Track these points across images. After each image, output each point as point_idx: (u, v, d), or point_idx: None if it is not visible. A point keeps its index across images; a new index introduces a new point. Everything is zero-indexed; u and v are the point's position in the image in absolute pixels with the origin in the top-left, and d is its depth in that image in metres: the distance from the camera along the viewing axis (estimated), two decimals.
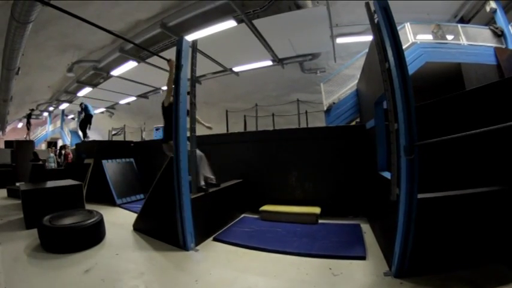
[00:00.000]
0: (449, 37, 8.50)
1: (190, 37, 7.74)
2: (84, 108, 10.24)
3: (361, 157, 4.90)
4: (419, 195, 2.48)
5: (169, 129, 3.91)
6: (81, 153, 8.27)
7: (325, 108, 9.31)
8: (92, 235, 3.73)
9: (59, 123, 22.39)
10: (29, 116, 17.15)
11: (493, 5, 8.72)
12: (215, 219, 4.39)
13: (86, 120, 10.20)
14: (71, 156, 10.33)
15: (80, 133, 10.62)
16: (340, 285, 2.57)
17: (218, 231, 4.22)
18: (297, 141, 5.58)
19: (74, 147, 10.64)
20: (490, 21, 9.12)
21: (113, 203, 6.41)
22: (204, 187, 4.25)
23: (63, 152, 11.99)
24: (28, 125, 16.70)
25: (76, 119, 18.22)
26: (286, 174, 5.54)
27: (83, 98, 16.66)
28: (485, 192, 2.64)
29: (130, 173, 7.55)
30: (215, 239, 3.94)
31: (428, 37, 8.44)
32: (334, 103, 8.68)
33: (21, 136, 22.30)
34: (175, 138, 3.60)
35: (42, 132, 23.58)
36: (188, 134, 3.90)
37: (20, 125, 24.36)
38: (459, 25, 8.79)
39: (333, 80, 9.51)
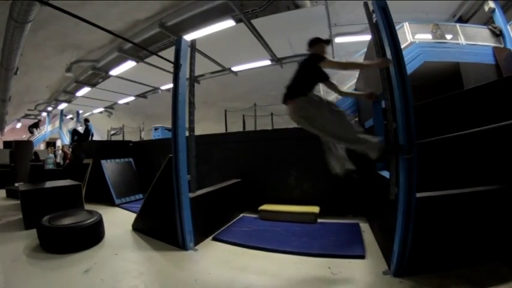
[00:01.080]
0: (448, 37, 8.51)
1: (188, 37, 7.75)
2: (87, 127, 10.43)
3: (360, 156, 4.89)
4: (418, 194, 2.49)
5: (304, 83, 2.99)
6: (80, 153, 8.26)
7: None
8: (91, 235, 3.73)
9: (57, 123, 22.30)
10: (35, 125, 17.04)
11: (491, 4, 8.73)
12: (214, 219, 4.39)
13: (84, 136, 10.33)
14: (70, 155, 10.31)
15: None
16: (339, 284, 2.58)
17: (217, 230, 4.22)
18: (296, 141, 5.57)
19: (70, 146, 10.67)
20: (488, 20, 9.14)
21: (112, 203, 6.40)
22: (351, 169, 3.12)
23: (59, 152, 11.98)
24: (31, 128, 16.64)
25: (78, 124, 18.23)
26: (285, 174, 5.54)
27: (82, 98, 16.68)
28: (483, 191, 2.65)
29: (129, 172, 7.54)
30: (214, 239, 3.95)
31: (426, 36, 8.46)
32: None
33: (20, 136, 22.29)
34: (174, 137, 3.60)
35: (41, 132, 23.51)
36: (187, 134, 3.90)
37: (18, 125, 24.29)
38: (458, 25, 8.80)
39: (332, 79, 9.51)
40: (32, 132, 16.78)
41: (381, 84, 2.88)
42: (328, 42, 3.31)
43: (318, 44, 3.22)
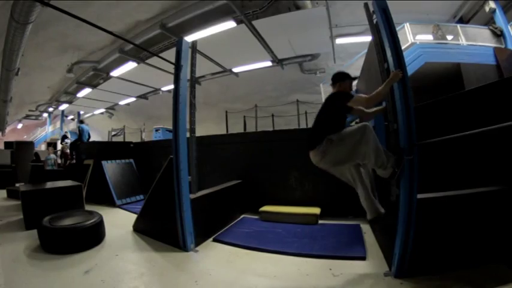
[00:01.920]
0: (449, 37, 8.51)
1: (189, 38, 7.76)
2: (81, 131, 9.87)
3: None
4: (419, 196, 2.48)
5: (331, 125, 2.73)
6: (81, 153, 8.27)
7: None
8: (91, 236, 3.72)
9: (58, 124, 22.37)
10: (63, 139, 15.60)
11: (492, 5, 8.73)
12: (215, 220, 4.38)
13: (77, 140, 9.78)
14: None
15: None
16: (340, 286, 2.57)
17: (218, 231, 4.22)
18: (297, 142, 5.55)
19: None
20: (489, 21, 9.13)
21: (112, 204, 6.41)
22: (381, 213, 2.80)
23: (59, 152, 11.95)
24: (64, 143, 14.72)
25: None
26: (286, 175, 5.54)
27: (83, 99, 16.68)
28: (484, 192, 2.65)
29: (130, 173, 7.54)
30: (215, 240, 3.94)
31: (427, 37, 8.45)
32: None
33: (21, 137, 22.34)
34: (175, 138, 3.60)
35: (42, 133, 23.58)
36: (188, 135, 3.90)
37: (19, 125, 24.36)
38: (458, 25, 8.79)
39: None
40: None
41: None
42: (356, 78, 3.16)
43: (345, 81, 3.03)
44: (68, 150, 10.92)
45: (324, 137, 2.71)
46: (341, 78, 3.06)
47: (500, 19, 8.61)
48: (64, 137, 12.55)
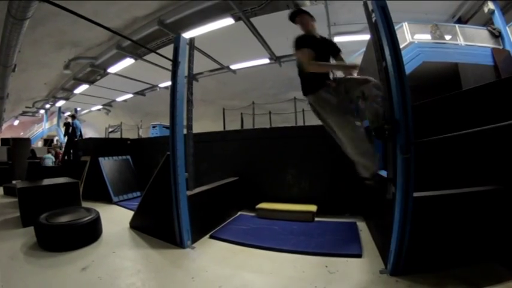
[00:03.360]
0: (447, 37, 8.54)
1: (187, 34, 7.73)
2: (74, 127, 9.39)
3: None
4: (415, 194, 2.49)
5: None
6: (78, 150, 8.24)
7: None
8: (88, 233, 3.72)
9: (55, 120, 22.26)
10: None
11: (491, 5, 8.76)
12: (212, 217, 4.39)
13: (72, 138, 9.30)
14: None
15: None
16: (336, 283, 2.58)
17: (215, 228, 4.22)
18: (294, 140, 5.58)
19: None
20: (487, 22, 9.17)
21: (109, 201, 6.39)
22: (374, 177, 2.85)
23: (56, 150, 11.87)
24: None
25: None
26: (282, 172, 5.54)
27: (80, 95, 16.57)
28: (480, 192, 2.67)
29: (127, 170, 7.52)
30: (212, 237, 3.94)
31: (426, 37, 8.48)
32: None
33: (18, 134, 22.21)
34: (172, 135, 3.60)
35: (39, 130, 23.45)
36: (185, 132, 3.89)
37: (16, 122, 24.20)
38: (457, 25, 8.83)
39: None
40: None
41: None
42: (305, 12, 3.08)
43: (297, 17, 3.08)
44: (59, 150, 10.82)
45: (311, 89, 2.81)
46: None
47: (498, 20, 8.65)
48: (67, 124, 12.46)
